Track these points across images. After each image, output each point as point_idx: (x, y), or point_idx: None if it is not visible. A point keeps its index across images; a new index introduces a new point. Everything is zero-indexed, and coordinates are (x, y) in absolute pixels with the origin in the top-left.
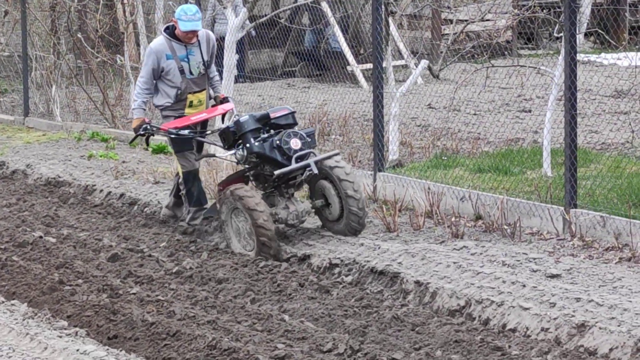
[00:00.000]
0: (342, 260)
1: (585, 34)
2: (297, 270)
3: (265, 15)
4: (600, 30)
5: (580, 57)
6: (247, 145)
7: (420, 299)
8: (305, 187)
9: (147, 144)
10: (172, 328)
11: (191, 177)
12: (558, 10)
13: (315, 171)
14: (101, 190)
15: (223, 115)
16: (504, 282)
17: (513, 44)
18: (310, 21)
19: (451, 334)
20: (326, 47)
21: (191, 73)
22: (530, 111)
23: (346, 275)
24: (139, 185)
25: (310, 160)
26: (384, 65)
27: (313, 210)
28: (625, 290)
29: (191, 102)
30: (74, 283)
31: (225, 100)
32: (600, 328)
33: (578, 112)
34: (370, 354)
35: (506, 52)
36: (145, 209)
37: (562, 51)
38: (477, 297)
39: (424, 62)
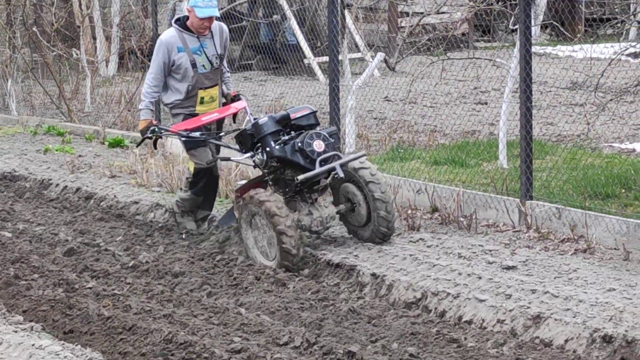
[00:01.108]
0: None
1: (542, 26)
2: (254, 264)
3: (222, 9)
4: (555, 23)
5: (536, 49)
6: (267, 149)
7: (376, 291)
8: (328, 191)
9: (155, 147)
10: (128, 322)
11: (202, 172)
12: (513, 2)
13: (342, 175)
14: (57, 185)
15: (234, 115)
16: (460, 274)
17: (469, 36)
18: (265, 14)
19: (407, 326)
20: (283, 40)
21: (204, 67)
22: (486, 103)
23: (302, 269)
24: (95, 180)
25: (336, 164)
26: (340, 58)
27: (337, 215)
28: (581, 282)
29: (202, 98)
30: (30, 278)
31: (237, 97)
32: (555, 319)
33: (534, 104)
34: (326, 346)
35: (462, 45)
36: (102, 203)
37: (517, 43)
38: (433, 289)
39: (380, 55)
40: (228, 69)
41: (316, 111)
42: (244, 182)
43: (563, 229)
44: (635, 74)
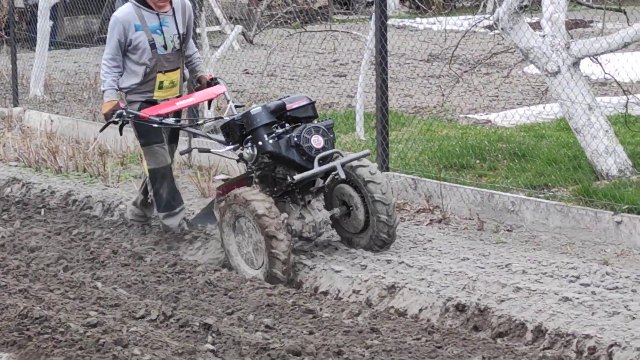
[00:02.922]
0: (158, 227)
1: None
2: (111, 237)
3: None
4: None
5: (395, 22)
6: (259, 143)
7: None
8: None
9: (121, 134)
10: None
11: (159, 177)
12: None
13: (343, 176)
14: None
15: (209, 101)
16: (316, 245)
17: (328, 9)
18: None
19: (263, 298)
20: None
21: (164, 48)
22: (345, 76)
23: (162, 242)
24: None
25: (337, 163)
26: (198, 31)
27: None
28: (436, 252)
29: (161, 83)
30: None
31: (214, 81)
32: (410, 289)
33: (392, 76)
34: (182, 319)
35: (321, 18)
36: None
37: (373, 16)
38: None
39: (238, 28)
40: (197, 50)
41: (314, 102)
42: (222, 176)
43: (419, 200)
44: (490, 46)
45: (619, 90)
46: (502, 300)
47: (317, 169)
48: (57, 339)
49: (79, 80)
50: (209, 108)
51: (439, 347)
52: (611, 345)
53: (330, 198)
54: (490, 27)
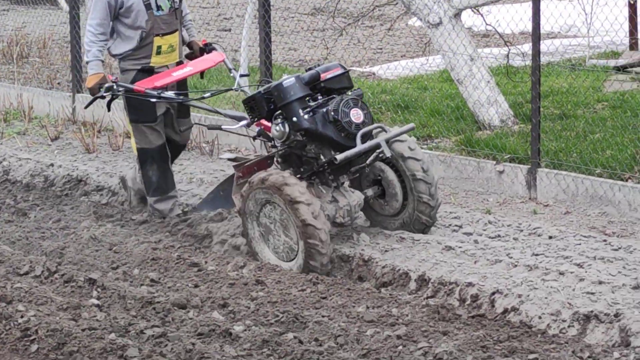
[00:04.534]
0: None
1: None
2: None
3: None
4: None
5: None
6: (294, 118)
7: (120, 217)
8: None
9: (109, 109)
10: None
11: (149, 157)
12: None
13: (389, 154)
14: None
15: (202, 72)
16: (201, 198)
17: None
18: None
19: (148, 252)
20: None
21: (161, 8)
22: (229, 30)
23: (47, 199)
24: None
25: (381, 139)
26: None
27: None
28: None
29: (159, 47)
30: None
31: (209, 47)
32: None
33: (276, 30)
34: (67, 274)
35: None
36: None
37: None
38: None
39: None
40: (189, 11)
41: (348, 71)
42: (229, 155)
43: None
44: None
45: (501, 41)
46: (386, 251)
47: (360, 146)
48: None
49: None
50: (202, 78)
51: (324, 298)
52: (493, 293)
53: (359, 177)
54: None
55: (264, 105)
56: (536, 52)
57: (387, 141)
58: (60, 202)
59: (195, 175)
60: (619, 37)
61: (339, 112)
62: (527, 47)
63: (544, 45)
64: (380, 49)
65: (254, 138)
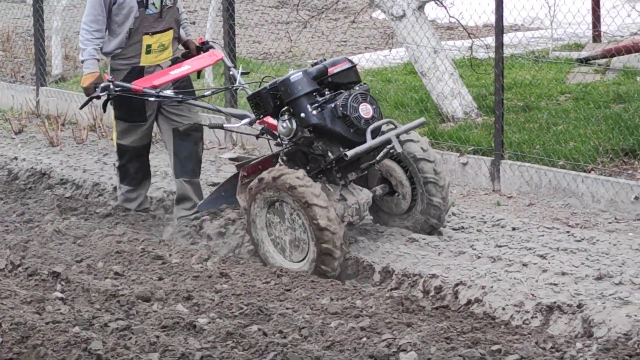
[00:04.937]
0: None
1: None
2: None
3: None
4: None
5: None
6: (302, 114)
7: (84, 211)
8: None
9: (105, 110)
10: None
11: (128, 155)
12: None
13: (399, 149)
14: None
15: (199, 70)
16: (165, 192)
17: None
18: None
19: (113, 245)
20: None
21: (154, 6)
22: (194, 23)
23: (10, 192)
24: None
25: (392, 135)
26: None
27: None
28: None
29: (149, 46)
30: None
31: (206, 46)
32: None
33: (240, 22)
34: (31, 268)
35: None
36: None
37: None
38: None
39: None
40: (184, 10)
41: (355, 65)
42: (231, 154)
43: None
44: None
45: (465, 33)
46: (350, 243)
47: (370, 142)
48: None
49: None
50: (198, 77)
51: (288, 290)
52: (457, 284)
53: (367, 175)
54: None
55: (269, 101)
56: (499, 44)
57: (398, 136)
58: (24, 196)
59: (159, 168)
60: (582, 29)
61: (347, 107)
62: (490, 40)
63: (507, 38)
64: (344, 41)
65: (257, 136)
